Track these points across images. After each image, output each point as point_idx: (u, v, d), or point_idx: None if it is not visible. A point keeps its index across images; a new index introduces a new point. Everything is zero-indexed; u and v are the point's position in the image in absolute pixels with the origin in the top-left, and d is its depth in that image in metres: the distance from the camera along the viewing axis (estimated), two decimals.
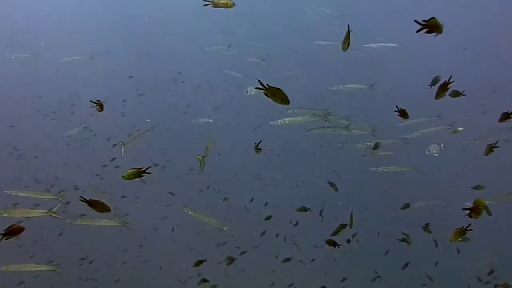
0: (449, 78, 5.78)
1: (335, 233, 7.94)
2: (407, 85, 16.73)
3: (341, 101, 12.86)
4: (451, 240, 5.60)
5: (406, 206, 8.85)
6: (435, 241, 10.09)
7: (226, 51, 16.78)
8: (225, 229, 8.62)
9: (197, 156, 7.01)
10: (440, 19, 4.58)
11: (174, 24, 20.67)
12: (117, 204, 11.00)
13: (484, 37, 18.54)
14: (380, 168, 11.08)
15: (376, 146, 9.42)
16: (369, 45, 15.16)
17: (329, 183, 9.37)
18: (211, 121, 14.55)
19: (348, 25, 4.79)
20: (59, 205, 7.32)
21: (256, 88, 4.10)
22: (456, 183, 13.73)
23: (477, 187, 8.68)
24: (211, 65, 17.87)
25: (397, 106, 6.39)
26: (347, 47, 5.22)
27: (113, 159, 12.89)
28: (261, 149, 6.55)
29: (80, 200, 5.08)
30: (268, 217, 9.78)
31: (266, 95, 4.15)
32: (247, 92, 10.39)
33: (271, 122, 8.63)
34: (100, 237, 12.57)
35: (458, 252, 9.46)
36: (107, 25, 19.89)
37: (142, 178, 12.86)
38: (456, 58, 6.84)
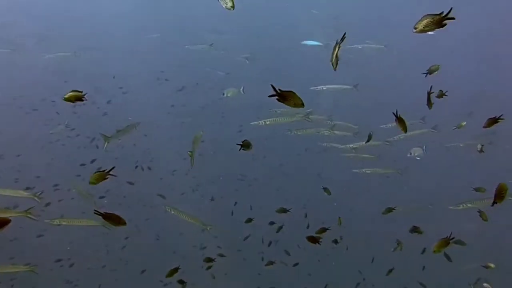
0: (430, 88, 5.87)
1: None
2: (393, 87, 16.80)
3: (325, 102, 12.81)
4: (434, 251, 5.53)
5: (389, 210, 8.73)
6: (424, 248, 9.98)
7: (212, 50, 16.70)
8: (208, 228, 8.49)
9: (189, 152, 7.29)
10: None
11: (161, 23, 20.49)
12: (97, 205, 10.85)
13: (471, 41, 18.73)
14: (363, 170, 11.05)
15: (369, 138, 9.27)
16: (354, 46, 15.16)
17: (323, 188, 9.28)
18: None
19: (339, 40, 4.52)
20: (34, 206, 7.13)
21: (269, 96, 3.88)
22: (441, 186, 13.80)
23: (478, 189, 8.61)
24: (197, 64, 17.76)
25: (396, 112, 5.85)
26: (336, 64, 4.95)
27: (93, 161, 12.65)
28: (251, 144, 6.38)
29: (95, 213, 4.82)
30: (249, 220, 9.64)
31: (279, 100, 3.94)
32: (224, 94, 10.32)
33: (252, 123, 8.56)
34: (82, 239, 12.38)
35: (449, 259, 9.32)
36: (91, 22, 19.66)
37: (130, 180, 12.73)
38: (443, 62, 6.83)
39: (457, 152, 11.85)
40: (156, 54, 18.95)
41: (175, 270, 7.38)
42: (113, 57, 18.38)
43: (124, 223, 5.09)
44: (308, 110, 9.31)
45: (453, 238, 5.42)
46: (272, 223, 10.47)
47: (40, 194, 7.97)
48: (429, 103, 5.86)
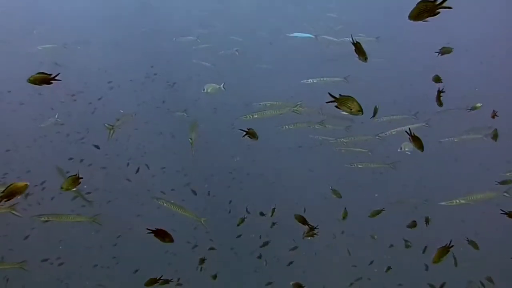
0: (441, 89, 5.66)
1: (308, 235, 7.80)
2: (386, 81, 16.71)
3: (317, 96, 12.64)
4: (435, 262, 5.38)
5: (377, 212, 8.53)
6: (425, 247, 9.86)
7: (200, 43, 16.56)
8: (202, 220, 8.29)
9: (190, 140, 7.45)
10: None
11: (153, 17, 20.26)
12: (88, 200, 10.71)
13: (467, 34, 18.67)
14: (355, 164, 10.93)
15: (375, 112, 8.84)
16: (344, 39, 14.97)
17: (332, 189, 9.01)
18: (185, 115, 14.22)
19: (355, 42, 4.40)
20: (16, 203, 6.97)
21: (327, 102, 3.69)
22: (436, 181, 13.74)
23: (504, 182, 8.49)
24: (188, 58, 17.59)
25: (409, 129, 5.51)
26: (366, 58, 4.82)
27: (81, 160, 12.43)
28: (256, 134, 6.28)
29: (148, 232, 4.94)
30: (242, 220, 9.47)
31: (337, 107, 3.72)
32: (204, 89, 10.15)
33: (239, 117, 8.37)
34: (73, 236, 12.21)
35: (456, 263, 9.17)
36: (81, 14, 19.40)
37: (127, 177, 12.47)
38: (438, 57, 6.80)
39: (451, 147, 11.78)
40: (147, 48, 18.73)
41: (155, 280, 7.03)
42: (103, 51, 18.15)
43: (172, 240, 5.16)
44: (299, 102, 9.14)
45: (452, 245, 5.28)
46: (262, 214, 10.29)
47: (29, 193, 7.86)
48: (439, 100, 5.68)
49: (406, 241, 8.98)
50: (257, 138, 6.38)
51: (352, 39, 4.71)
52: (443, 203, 8.17)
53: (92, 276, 12.35)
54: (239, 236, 11.77)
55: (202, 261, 8.66)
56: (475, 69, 17.94)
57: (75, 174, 4.97)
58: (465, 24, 17.68)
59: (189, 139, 7.44)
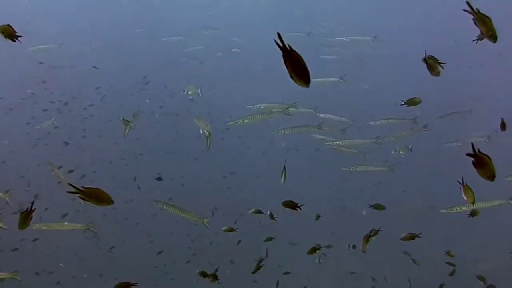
0: None
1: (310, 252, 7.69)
2: (386, 84, 16.58)
3: (314, 98, 12.52)
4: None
5: (375, 233, 8.29)
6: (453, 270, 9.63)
7: (188, 42, 16.51)
8: (204, 221, 8.00)
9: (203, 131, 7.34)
10: (423, 11, 4.30)
11: (152, 16, 20.14)
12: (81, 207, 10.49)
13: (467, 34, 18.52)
14: (353, 168, 10.81)
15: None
16: (341, 38, 14.79)
17: (372, 205, 8.64)
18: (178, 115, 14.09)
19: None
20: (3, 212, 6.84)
21: (468, 154, 3.27)
22: (438, 185, 13.59)
23: None
24: (184, 60, 17.46)
25: (462, 179, 5.02)
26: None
27: (70, 171, 12.19)
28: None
29: None
30: (231, 229, 9.23)
31: (475, 165, 3.31)
32: (184, 91, 10.01)
33: (229, 123, 8.12)
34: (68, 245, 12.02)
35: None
36: (76, 14, 19.28)
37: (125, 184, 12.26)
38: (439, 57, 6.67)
39: (454, 151, 11.61)
40: (143, 49, 18.58)
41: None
42: (99, 53, 17.97)
43: None
44: (294, 104, 8.96)
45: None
46: (260, 211, 10.03)
47: (8, 193, 7.72)
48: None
49: (449, 251, 8.73)
50: (284, 179, 6.17)
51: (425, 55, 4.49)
52: (443, 211, 8.02)
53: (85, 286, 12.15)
54: (239, 242, 11.57)
55: (214, 278, 8.34)
56: (478, 72, 17.76)
57: (26, 209, 4.82)
58: (466, 26, 17.52)
59: (205, 132, 7.31)
